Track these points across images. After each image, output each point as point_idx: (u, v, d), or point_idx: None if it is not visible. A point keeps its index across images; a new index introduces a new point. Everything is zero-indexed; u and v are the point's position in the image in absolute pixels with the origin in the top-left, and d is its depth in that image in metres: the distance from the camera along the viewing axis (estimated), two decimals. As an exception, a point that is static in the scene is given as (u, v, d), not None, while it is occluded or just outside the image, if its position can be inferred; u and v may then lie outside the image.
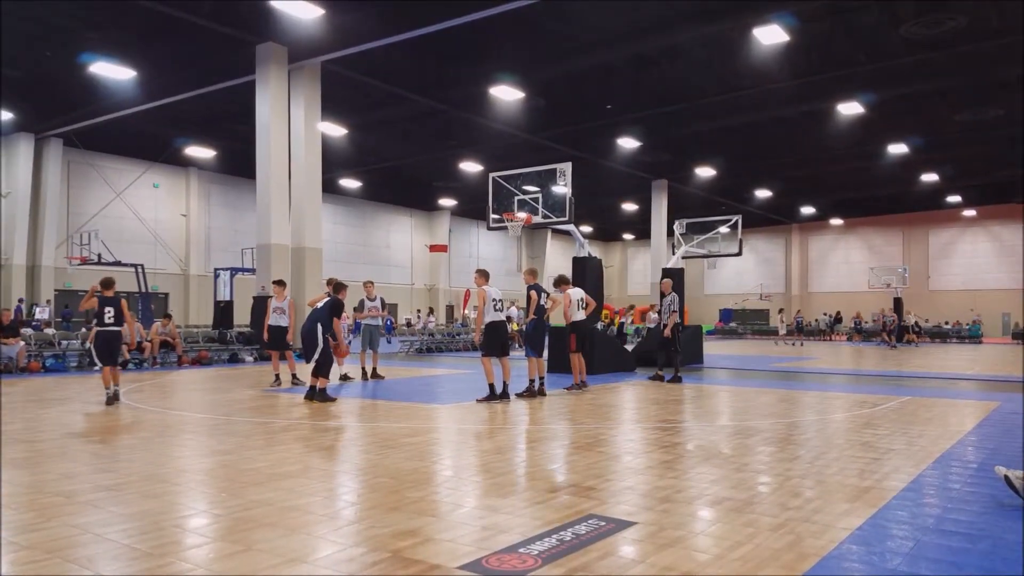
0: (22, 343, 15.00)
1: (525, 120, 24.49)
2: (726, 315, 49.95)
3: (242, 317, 23.78)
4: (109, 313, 9.74)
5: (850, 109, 22.51)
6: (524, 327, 11.33)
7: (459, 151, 29.39)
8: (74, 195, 29.77)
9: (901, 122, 24.84)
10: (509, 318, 20.39)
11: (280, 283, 12.68)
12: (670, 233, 28.36)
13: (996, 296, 42.48)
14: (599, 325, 17.24)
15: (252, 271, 22.51)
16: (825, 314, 42.32)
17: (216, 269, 26.23)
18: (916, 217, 44.90)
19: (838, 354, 24.51)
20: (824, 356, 22.84)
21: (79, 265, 25.39)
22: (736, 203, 38.06)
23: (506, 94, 21.29)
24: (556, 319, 12.47)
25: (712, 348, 24.88)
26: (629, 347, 19.14)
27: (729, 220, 20.96)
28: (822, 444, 6.83)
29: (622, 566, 3.48)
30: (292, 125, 19.73)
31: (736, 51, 18.43)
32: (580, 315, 11.63)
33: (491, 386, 10.04)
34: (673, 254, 20.61)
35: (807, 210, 44.06)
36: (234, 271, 25.27)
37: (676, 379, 12.59)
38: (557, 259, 50.63)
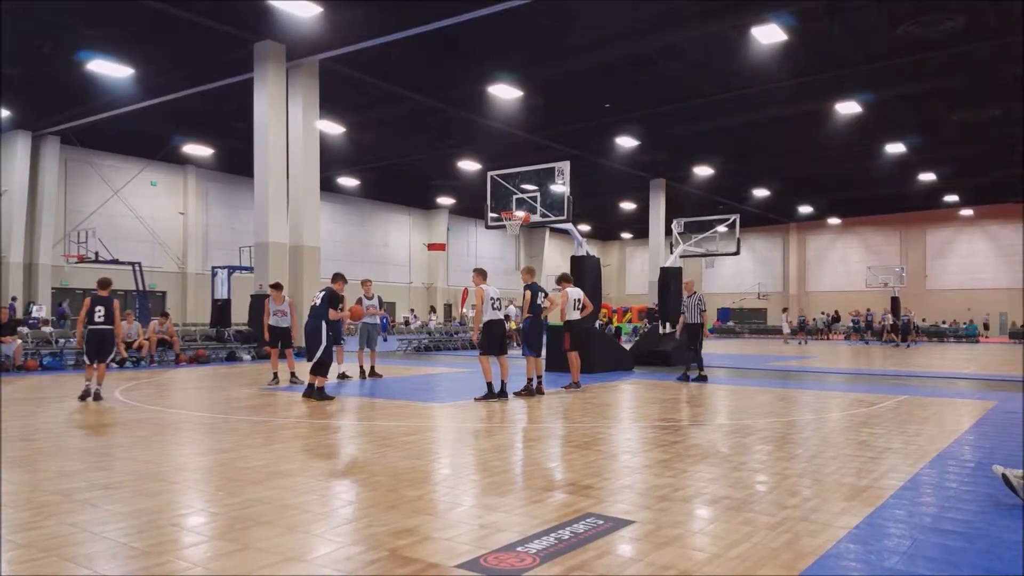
0: (19, 341, 14.98)
1: (523, 119, 24.48)
2: (724, 314, 49.99)
3: (240, 315, 23.74)
4: (99, 312, 9.96)
5: (848, 109, 22.55)
6: (522, 326, 11.33)
7: (457, 150, 29.38)
8: (71, 193, 29.72)
9: (899, 122, 24.88)
10: (507, 317, 20.38)
11: (277, 286, 12.57)
12: (668, 232, 28.36)
13: (993, 296, 42.57)
14: (597, 324, 17.22)
15: (250, 269, 22.49)
16: (823, 313, 42.42)
17: (214, 267, 26.21)
18: (914, 217, 44.99)
19: (836, 353, 24.54)
20: (822, 355, 22.86)
21: (76, 263, 25.37)
22: (734, 202, 38.10)
23: (504, 93, 21.29)
24: (554, 318, 12.47)
25: (710, 347, 24.85)
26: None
27: (727, 219, 20.97)
28: (819, 443, 6.83)
29: (620, 565, 3.48)
30: (290, 123, 19.71)
31: (735, 51, 18.44)
32: (575, 315, 11.63)
33: (489, 385, 10.04)
34: (671, 253, 20.62)
35: (805, 209, 44.12)
36: (232, 269, 25.25)
37: (701, 378, 12.64)
38: (555, 258, 50.65)
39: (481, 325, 10.11)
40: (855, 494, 4.83)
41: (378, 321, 13.89)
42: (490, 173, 14.92)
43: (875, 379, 14.21)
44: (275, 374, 12.23)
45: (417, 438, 7.11)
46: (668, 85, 21.33)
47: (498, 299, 10.39)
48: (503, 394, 10.08)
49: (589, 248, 16.02)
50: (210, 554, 3.67)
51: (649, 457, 6.15)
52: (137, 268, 25.31)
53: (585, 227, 48.88)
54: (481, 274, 10.35)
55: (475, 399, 10.01)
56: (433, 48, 18.56)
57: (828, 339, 38.66)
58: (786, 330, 34.21)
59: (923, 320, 38.99)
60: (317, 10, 16.03)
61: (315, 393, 9.94)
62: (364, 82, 21.07)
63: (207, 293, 29.68)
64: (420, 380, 13.79)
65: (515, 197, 14.63)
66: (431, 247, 45.56)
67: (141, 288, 25.88)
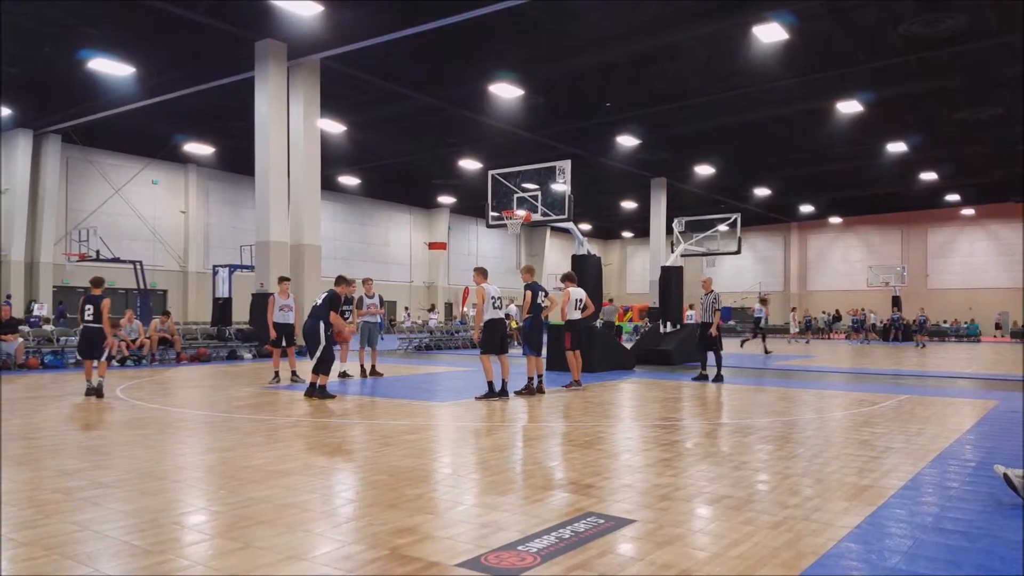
0: (20, 339, 14.99)
1: (524, 118, 24.48)
2: (725, 313, 49.87)
3: (241, 314, 23.75)
4: (89, 311, 10.29)
5: (849, 108, 22.53)
6: (522, 325, 11.34)
7: (458, 149, 29.38)
8: (72, 191, 29.74)
9: (900, 121, 24.86)
10: (508, 316, 20.39)
11: (285, 279, 12.78)
12: (669, 231, 28.41)
13: (994, 295, 42.54)
14: (597, 323, 17.23)
15: (251, 268, 22.50)
16: (824, 312, 42.41)
17: (215, 266, 26.22)
18: (915, 216, 44.96)
19: (837, 353, 24.52)
20: (823, 354, 22.84)
21: (77, 262, 25.37)
22: (735, 201, 38.09)
23: (505, 92, 21.28)
24: (555, 317, 12.47)
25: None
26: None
27: (728, 218, 20.96)
28: (821, 442, 6.83)
29: (621, 564, 3.48)
30: (291, 122, 19.71)
31: (735, 50, 18.43)
32: (576, 315, 11.64)
33: (490, 384, 10.04)
34: (672, 252, 20.60)
35: (806, 208, 44.10)
36: (233, 268, 25.25)
37: (719, 378, 12.62)
38: (556, 257, 50.65)
39: (482, 324, 10.12)
40: (856, 493, 4.83)
41: (379, 320, 13.95)
42: (491, 172, 14.92)
43: (876, 378, 14.20)
44: (276, 373, 12.24)
45: (418, 437, 7.11)
46: (669, 84, 21.32)
47: (499, 298, 10.39)
48: (504, 393, 10.08)
49: (590, 247, 16.02)
50: (211, 552, 3.67)
51: (650, 456, 6.15)
52: (138, 267, 25.32)
53: (586, 226, 48.88)
54: (482, 273, 10.36)
55: (476, 398, 10.02)
56: (434, 47, 18.56)
57: (830, 339, 38.64)
58: (793, 329, 34.32)
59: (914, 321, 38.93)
60: (318, 9, 16.04)
61: (316, 392, 9.94)
62: (365, 81, 21.06)
63: (208, 292, 29.68)
64: (421, 379, 13.79)
65: (516, 196, 14.63)
66: (432, 246, 45.56)
67: (142, 287, 25.89)
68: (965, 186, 36.76)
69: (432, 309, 37.84)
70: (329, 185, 33.04)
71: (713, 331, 12.50)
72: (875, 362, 19.46)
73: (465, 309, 36.92)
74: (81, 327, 10.47)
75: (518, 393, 10.43)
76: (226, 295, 24.28)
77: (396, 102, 23.11)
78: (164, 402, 9.92)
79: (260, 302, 18.14)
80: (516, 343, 18.75)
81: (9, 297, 25.47)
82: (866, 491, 4.90)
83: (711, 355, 12.93)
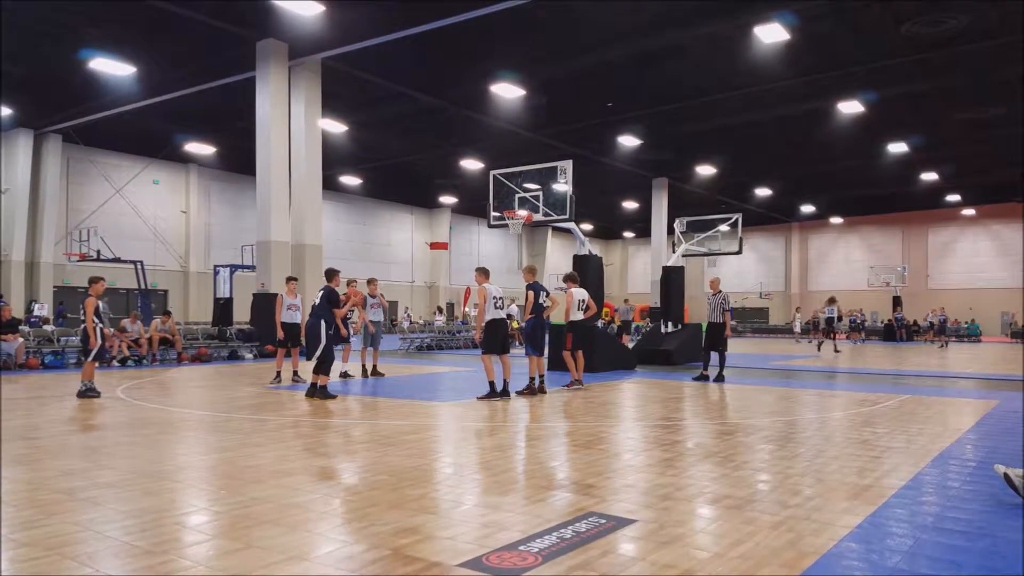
0: (21, 339, 15.00)
1: (526, 118, 24.47)
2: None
3: (242, 314, 23.76)
4: (82, 311, 10.38)
5: (850, 108, 22.51)
6: (524, 325, 11.35)
7: (460, 149, 29.37)
8: (73, 191, 29.75)
9: (901, 121, 24.82)
10: (510, 316, 20.38)
11: (293, 279, 12.84)
12: (670, 231, 28.38)
13: (995, 295, 42.50)
14: (599, 323, 17.23)
15: (252, 268, 22.50)
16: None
17: (216, 266, 26.22)
18: (916, 216, 44.92)
19: (840, 352, 24.48)
20: (824, 354, 22.81)
21: (78, 262, 25.38)
22: (736, 201, 38.06)
23: (507, 92, 21.27)
24: (556, 317, 12.48)
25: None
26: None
27: (729, 218, 20.94)
28: (821, 442, 6.83)
29: (622, 564, 3.48)
30: (292, 122, 19.70)
31: (737, 50, 18.40)
32: (579, 316, 11.65)
33: (491, 384, 10.04)
34: (673, 252, 20.59)
35: (807, 208, 44.06)
36: (234, 268, 25.26)
37: (720, 378, 12.63)
38: (558, 257, 50.64)
39: (484, 324, 10.12)
40: (857, 493, 4.83)
41: (382, 319, 13.99)
42: (492, 172, 14.92)
43: (877, 378, 14.20)
44: (278, 373, 12.25)
45: (419, 437, 7.12)
46: (671, 84, 21.30)
47: (501, 298, 10.39)
48: (505, 393, 10.09)
49: (591, 247, 16.02)
50: (213, 553, 3.68)
51: (651, 456, 6.15)
52: (139, 267, 25.33)
53: (587, 226, 48.85)
54: (484, 273, 10.37)
55: (477, 398, 10.02)
56: (435, 47, 18.55)
57: (832, 338, 38.53)
58: (797, 329, 34.21)
59: (926, 319, 38.86)
60: (320, 9, 16.03)
61: (318, 392, 9.95)
62: (366, 81, 21.06)
63: (209, 292, 29.68)
64: (422, 379, 13.80)
65: (517, 196, 14.63)
66: (433, 246, 45.55)
67: (143, 287, 25.90)
68: (966, 186, 36.72)
69: (440, 312, 37.86)
70: (330, 185, 33.03)
71: (728, 332, 12.56)
72: (877, 362, 19.44)
73: (467, 309, 36.93)
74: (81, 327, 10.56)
75: (520, 393, 10.44)
76: (227, 295, 24.29)
77: (397, 102, 23.10)
78: (165, 402, 9.93)
79: (263, 302, 18.16)
80: (518, 343, 18.75)
81: (1, 297, 25.50)
82: (867, 491, 4.90)
83: (714, 355, 12.94)
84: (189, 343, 17.94)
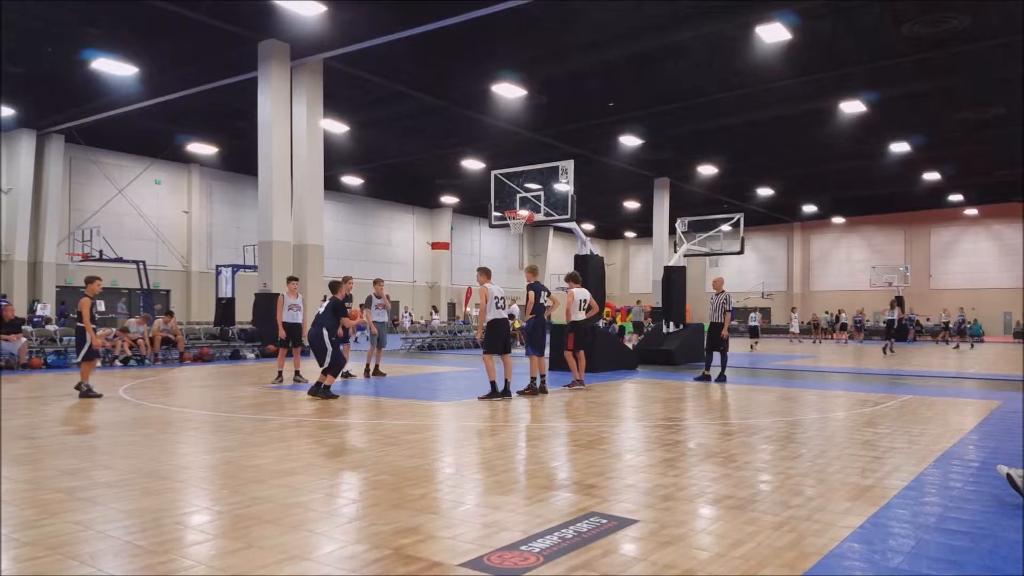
0: (23, 339, 15.02)
1: (527, 118, 24.47)
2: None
3: (244, 314, 23.78)
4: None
5: (852, 108, 22.49)
6: (525, 325, 11.35)
7: (461, 149, 29.37)
8: (76, 191, 29.78)
9: (903, 121, 24.80)
10: (511, 316, 20.37)
11: (294, 279, 12.87)
12: (672, 231, 28.38)
13: (997, 295, 42.45)
14: (600, 323, 17.23)
15: (254, 268, 22.51)
16: (827, 312, 42.33)
17: (218, 266, 26.24)
18: (918, 216, 44.88)
19: (839, 352, 24.47)
20: (826, 354, 22.80)
21: (81, 262, 25.40)
22: (738, 201, 38.04)
23: (508, 91, 21.27)
24: (557, 317, 12.48)
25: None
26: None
27: (731, 218, 20.93)
28: (823, 442, 6.82)
29: (623, 564, 3.47)
30: (294, 122, 19.72)
31: (738, 49, 18.40)
32: (580, 316, 11.64)
33: (492, 384, 10.04)
34: (675, 252, 20.58)
35: (809, 208, 44.04)
36: (236, 268, 25.27)
37: (722, 378, 12.61)
38: (559, 257, 50.63)
39: (485, 324, 10.12)
40: (859, 494, 4.82)
41: (386, 319, 14.04)
42: (494, 172, 14.92)
43: (879, 379, 14.18)
44: (280, 373, 12.26)
45: (421, 437, 7.12)
46: (672, 84, 21.29)
47: (502, 298, 10.39)
48: (506, 393, 10.09)
49: (593, 247, 16.01)
50: (214, 552, 3.68)
51: (652, 456, 6.15)
52: (141, 267, 25.35)
53: (589, 226, 48.83)
54: (485, 273, 10.37)
55: (479, 398, 10.02)
56: (437, 47, 18.55)
57: (834, 339, 38.55)
58: (794, 329, 34.17)
59: (927, 319, 38.90)
60: (321, 9, 16.04)
61: (320, 391, 9.96)
62: (368, 81, 21.06)
63: (211, 291, 29.68)
64: (423, 379, 13.80)
65: (519, 196, 14.63)
66: (435, 246, 45.56)
67: (145, 287, 25.92)
68: (968, 186, 36.68)
69: (435, 312, 37.87)
70: (332, 185, 33.03)
71: (724, 332, 12.49)
72: (876, 363, 19.42)
73: (468, 309, 36.93)
74: None
75: (521, 393, 10.43)
76: (229, 295, 24.29)
77: (399, 102, 23.11)
78: (167, 402, 9.93)
79: (265, 302, 18.16)
80: (519, 343, 18.75)
81: (4, 297, 25.53)
82: (869, 491, 4.89)
83: (716, 355, 12.92)
84: (191, 343, 17.95)
